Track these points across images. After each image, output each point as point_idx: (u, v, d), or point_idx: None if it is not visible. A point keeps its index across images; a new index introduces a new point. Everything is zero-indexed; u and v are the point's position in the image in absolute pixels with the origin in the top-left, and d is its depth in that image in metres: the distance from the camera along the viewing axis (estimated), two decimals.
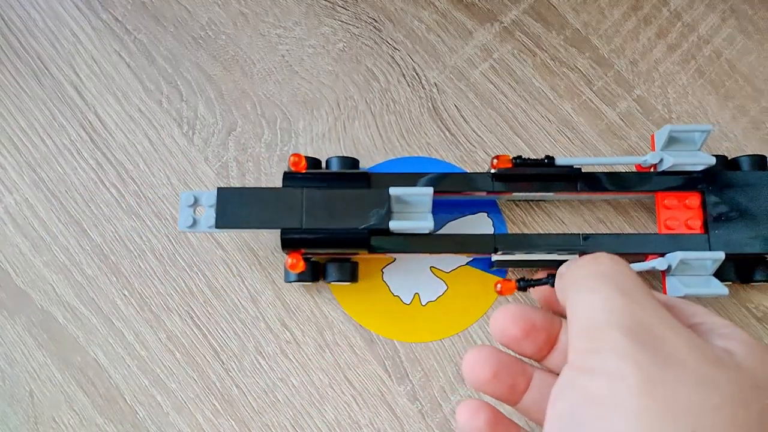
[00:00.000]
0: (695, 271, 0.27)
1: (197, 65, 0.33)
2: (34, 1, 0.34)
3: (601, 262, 0.22)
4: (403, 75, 0.33)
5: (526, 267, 0.28)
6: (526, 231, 0.31)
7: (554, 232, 0.31)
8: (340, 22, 0.34)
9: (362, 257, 0.31)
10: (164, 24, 0.34)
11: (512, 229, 0.31)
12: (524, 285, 0.25)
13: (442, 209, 0.31)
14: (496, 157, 0.28)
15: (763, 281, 0.28)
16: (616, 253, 0.26)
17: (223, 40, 0.34)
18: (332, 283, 0.30)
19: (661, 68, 0.33)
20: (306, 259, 0.29)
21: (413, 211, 0.28)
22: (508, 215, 0.31)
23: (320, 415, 0.30)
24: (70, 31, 0.34)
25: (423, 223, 0.27)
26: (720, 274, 0.27)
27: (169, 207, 0.32)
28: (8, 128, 0.33)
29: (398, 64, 0.33)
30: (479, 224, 0.31)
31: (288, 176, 0.28)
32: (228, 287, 0.31)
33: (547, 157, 0.28)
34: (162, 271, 0.31)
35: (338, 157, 0.30)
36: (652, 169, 0.29)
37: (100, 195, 0.32)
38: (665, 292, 0.27)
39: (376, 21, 0.34)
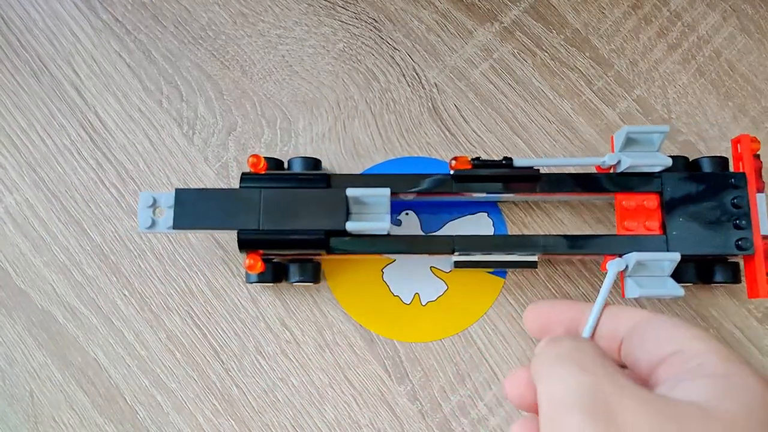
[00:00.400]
0: (653, 272, 0.27)
1: (197, 65, 0.33)
2: (33, 1, 0.34)
3: (560, 345, 0.21)
4: (403, 75, 0.33)
5: (487, 267, 0.28)
6: (525, 231, 0.31)
7: (553, 233, 0.31)
8: (340, 22, 0.34)
9: (362, 258, 0.31)
10: (164, 24, 0.34)
11: (512, 229, 0.31)
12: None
13: (442, 209, 0.31)
14: (455, 158, 0.28)
15: (723, 283, 0.28)
16: (574, 255, 0.28)
17: (223, 40, 0.34)
18: (295, 283, 0.30)
19: (661, 68, 0.33)
20: (268, 260, 0.29)
21: (371, 212, 0.28)
22: (508, 215, 0.31)
23: (320, 415, 0.30)
24: (69, 31, 0.34)
25: (380, 224, 0.27)
26: (680, 275, 0.27)
27: None
28: (8, 128, 0.33)
29: (398, 64, 0.33)
30: (479, 224, 0.31)
31: (246, 177, 0.28)
32: (228, 287, 0.31)
33: (506, 158, 0.28)
34: (162, 271, 0.31)
35: (300, 157, 0.30)
36: (611, 170, 0.29)
37: (100, 195, 0.32)
38: (623, 294, 0.27)
39: (376, 21, 0.34)
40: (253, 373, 0.30)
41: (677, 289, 0.26)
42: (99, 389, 0.30)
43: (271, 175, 0.28)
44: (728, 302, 0.30)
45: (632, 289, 0.27)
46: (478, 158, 0.28)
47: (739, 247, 0.27)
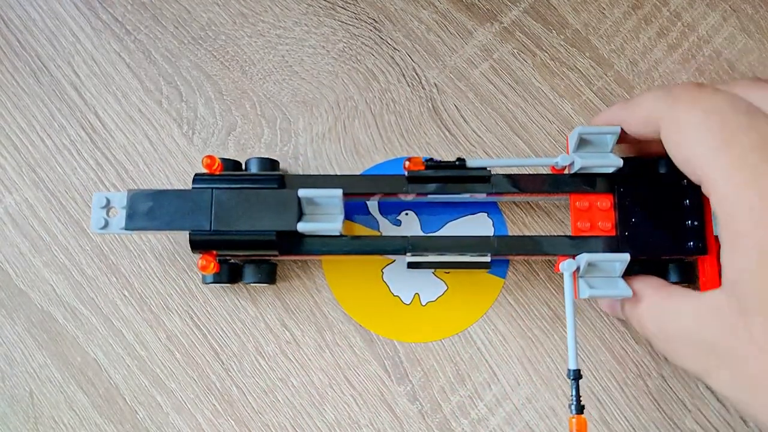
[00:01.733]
0: (605, 273, 0.27)
1: (197, 65, 0.33)
2: (33, 1, 0.34)
3: (702, 98, 0.24)
4: (403, 75, 0.33)
5: (440, 268, 0.28)
6: (526, 231, 0.31)
7: (545, 234, 0.31)
8: (340, 22, 0.34)
9: (362, 258, 0.31)
10: (164, 24, 0.34)
11: (512, 229, 0.31)
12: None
13: (442, 210, 0.31)
14: (408, 159, 0.28)
15: (679, 283, 0.28)
16: (527, 255, 0.28)
17: (222, 40, 0.34)
18: (251, 284, 0.30)
19: (661, 68, 0.33)
20: (224, 261, 0.29)
21: (324, 212, 0.28)
22: (509, 215, 0.31)
23: (320, 415, 0.30)
24: (69, 31, 0.34)
25: (331, 224, 0.27)
26: (633, 274, 0.27)
27: None
28: (7, 128, 0.33)
29: (398, 64, 0.33)
30: (479, 225, 0.31)
31: (198, 178, 0.28)
32: (228, 287, 0.31)
33: (459, 159, 0.28)
34: (162, 271, 0.31)
35: (257, 158, 0.30)
36: (566, 171, 0.29)
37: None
38: (576, 295, 0.27)
39: (376, 21, 0.34)
40: (253, 373, 0.30)
41: (627, 290, 0.26)
42: (99, 389, 0.30)
43: (224, 176, 0.28)
44: None
45: (584, 290, 0.27)
46: (431, 159, 0.28)
47: (692, 249, 0.27)
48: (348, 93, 0.33)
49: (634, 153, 0.30)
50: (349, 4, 0.34)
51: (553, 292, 0.31)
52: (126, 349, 0.31)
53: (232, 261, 0.29)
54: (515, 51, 0.33)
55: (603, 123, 0.28)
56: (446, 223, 0.31)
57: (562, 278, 0.30)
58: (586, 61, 0.33)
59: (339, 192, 0.27)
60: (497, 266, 0.31)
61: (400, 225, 0.31)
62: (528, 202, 0.31)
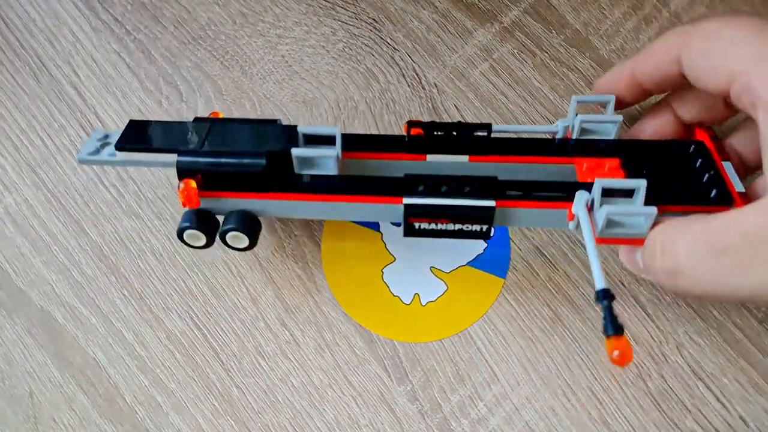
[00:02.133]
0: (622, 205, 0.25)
1: (197, 65, 0.33)
2: (33, 1, 0.34)
3: (728, 17, 0.23)
4: (403, 75, 0.33)
5: (439, 214, 0.26)
6: (525, 231, 0.31)
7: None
8: (340, 22, 0.34)
9: (362, 255, 0.31)
10: (164, 24, 0.34)
11: (512, 229, 0.31)
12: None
13: None
14: (409, 121, 0.28)
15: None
16: (538, 202, 0.25)
17: (222, 40, 0.34)
18: (231, 235, 0.27)
19: None
20: (207, 217, 0.27)
21: (321, 156, 0.27)
22: None
23: (320, 415, 0.30)
24: (69, 31, 0.34)
25: (327, 151, 0.26)
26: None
27: (169, 207, 0.32)
28: (7, 128, 0.33)
29: (398, 64, 0.33)
30: None
31: (198, 118, 0.28)
32: (228, 287, 0.31)
33: (459, 122, 0.28)
34: (162, 271, 0.31)
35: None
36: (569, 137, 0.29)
37: (100, 195, 0.32)
38: (594, 233, 0.24)
39: (376, 21, 0.34)
40: (253, 373, 0.30)
41: (651, 208, 0.23)
42: (99, 389, 0.30)
43: (225, 118, 0.28)
44: (729, 303, 0.30)
45: (601, 215, 0.23)
46: (432, 122, 0.28)
47: (716, 198, 0.25)
48: (348, 93, 0.33)
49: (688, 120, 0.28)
50: (349, 4, 0.34)
51: (553, 292, 0.31)
52: (126, 349, 0.31)
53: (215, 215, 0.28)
54: (515, 51, 0.33)
55: (613, 77, 0.27)
56: None
57: (563, 278, 0.30)
58: (586, 61, 0.33)
59: (336, 129, 0.27)
60: (497, 266, 0.31)
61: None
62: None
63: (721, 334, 0.30)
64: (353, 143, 0.28)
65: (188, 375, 0.30)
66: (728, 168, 0.26)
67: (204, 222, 0.27)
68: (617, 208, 0.23)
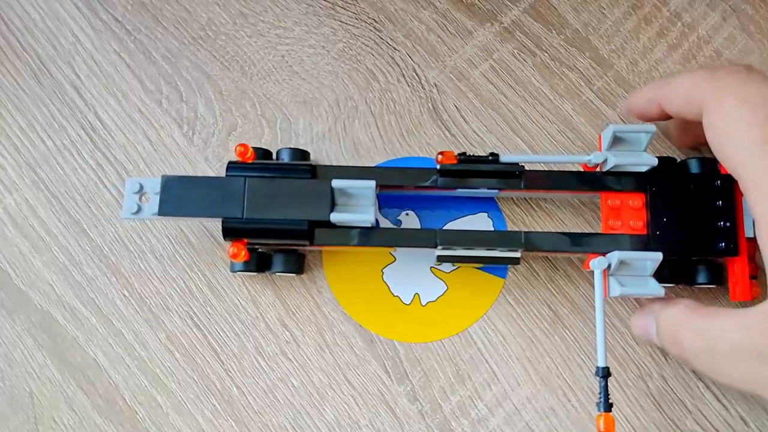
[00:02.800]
0: (636, 272, 0.27)
1: (197, 65, 0.33)
2: (33, 1, 0.34)
3: (751, 87, 0.23)
4: (403, 75, 0.33)
5: (469, 263, 0.28)
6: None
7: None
8: (340, 22, 0.34)
9: (362, 255, 0.31)
10: (164, 24, 0.34)
11: (511, 228, 0.31)
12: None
13: (442, 210, 0.31)
14: (441, 152, 0.28)
15: (706, 284, 0.28)
16: (557, 252, 0.28)
17: (222, 40, 0.34)
18: (278, 273, 0.30)
19: (661, 68, 0.33)
20: (253, 250, 0.29)
21: (357, 204, 0.28)
22: (509, 215, 0.31)
23: (320, 416, 0.30)
24: (69, 31, 0.34)
25: (364, 216, 0.27)
26: (661, 276, 0.27)
27: None
28: (8, 128, 0.33)
29: (398, 64, 0.33)
30: (478, 224, 0.31)
31: (232, 166, 0.28)
32: (228, 287, 0.31)
33: (492, 154, 0.28)
34: (162, 271, 0.31)
35: (289, 148, 0.30)
36: (597, 169, 0.29)
37: (100, 195, 0.32)
38: (606, 294, 0.27)
39: (376, 21, 0.34)
40: (253, 373, 0.30)
41: (658, 289, 0.26)
42: (99, 390, 0.30)
43: (257, 164, 0.29)
44: (728, 304, 0.30)
45: (614, 288, 0.27)
46: (464, 153, 0.28)
47: (723, 250, 0.27)
48: (348, 93, 0.33)
49: (678, 142, 0.29)
50: (349, 4, 0.34)
51: (554, 292, 0.30)
52: (126, 349, 0.31)
53: (261, 250, 0.30)
54: (515, 51, 0.33)
55: (641, 100, 0.28)
56: (447, 223, 0.31)
57: (563, 279, 0.30)
58: (586, 61, 0.33)
59: (372, 183, 0.27)
60: (497, 266, 0.31)
61: (400, 225, 0.31)
62: (528, 202, 0.31)
63: None
64: (386, 178, 0.29)
65: (188, 375, 0.30)
66: (746, 206, 0.27)
67: (255, 263, 0.29)
68: (630, 290, 0.26)
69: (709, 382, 0.29)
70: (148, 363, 0.30)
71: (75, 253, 0.32)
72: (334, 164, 0.31)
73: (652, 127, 0.27)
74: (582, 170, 0.29)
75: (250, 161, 0.29)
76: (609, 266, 0.27)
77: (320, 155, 0.32)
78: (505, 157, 0.28)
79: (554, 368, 0.30)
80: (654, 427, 0.29)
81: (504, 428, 0.29)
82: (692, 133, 0.29)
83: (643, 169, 0.28)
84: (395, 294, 0.31)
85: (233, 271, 0.30)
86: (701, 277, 0.28)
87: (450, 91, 0.33)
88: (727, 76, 0.24)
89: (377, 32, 0.34)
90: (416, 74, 0.33)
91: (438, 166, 0.28)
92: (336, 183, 0.27)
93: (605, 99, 0.32)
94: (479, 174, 0.28)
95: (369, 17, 0.34)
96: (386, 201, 0.31)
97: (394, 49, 0.33)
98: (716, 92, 0.24)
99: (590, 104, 0.32)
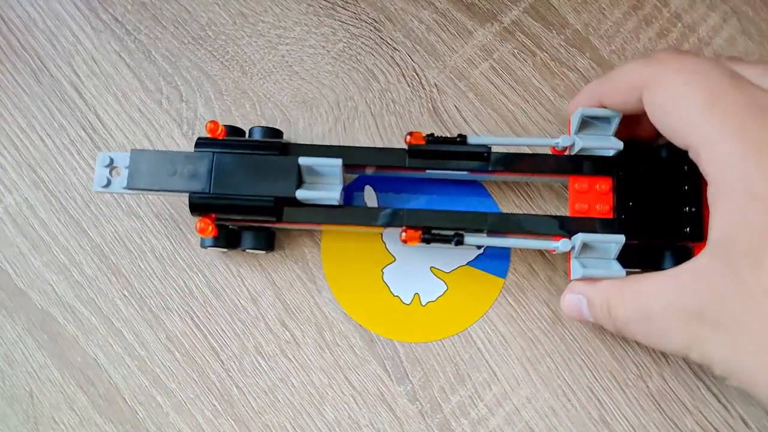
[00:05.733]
0: (600, 254, 0.27)
1: (197, 65, 0.33)
2: (33, 1, 0.34)
3: (687, 61, 0.24)
4: (403, 75, 0.33)
5: (437, 242, 0.28)
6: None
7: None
8: (340, 22, 0.34)
9: (362, 255, 0.31)
10: (164, 24, 0.34)
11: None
12: (428, 238, 0.27)
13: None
14: (410, 133, 0.28)
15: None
16: (525, 233, 0.28)
17: (222, 40, 0.34)
18: (248, 250, 0.30)
19: None
20: (223, 226, 0.29)
21: (324, 182, 0.28)
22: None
23: (320, 415, 0.30)
24: (69, 31, 0.34)
25: (331, 193, 0.27)
26: (627, 260, 0.27)
27: (169, 207, 0.32)
28: (7, 127, 0.33)
29: (398, 64, 0.33)
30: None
31: (201, 142, 0.28)
32: (228, 287, 0.31)
33: (459, 135, 0.28)
34: (162, 271, 0.31)
35: (260, 126, 0.30)
36: (566, 153, 0.29)
37: (100, 195, 0.32)
38: (569, 275, 0.27)
39: (376, 21, 0.34)
40: (253, 373, 0.30)
41: (620, 271, 0.26)
42: (99, 389, 0.30)
43: (226, 141, 0.29)
44: None
45: (576, 270, 0.27)
46: (432, 134, 0.28)
47: (688, 234, 0.26)
48: (348, 93, 0.33)
49: (625, 136, 0.29)
50: (349, 4, 0.34)
51: (553, 292, 0.30)
52: (126, 349, 0.31)
53: (231, 226, 0.30)
54: (515, 51, 0.33)
55: (584, 100, 0.28)
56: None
57: (563, 279, 0.30)
58: (586, 61, 0.33)
59: (339, 161, 0.27)
60: (497, 266, 0.31)
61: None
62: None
63: None
64: (354, 157, 0.29)
65: (188, 375, 0.30)
66: None
67: (225, 239, 0.30)
68: (591, 271, 0.26)
69: (710, 383, 0.29)
70: (148, 363, 0.30)
71: (75, 253, 0.32)
72: (302, 143, 0.31)
73: (618, 113, 0.27)
74: (551, 154, 0.29)
75: (221, 138, 0.29)
76: (573, 248, 0.27)
77: None
78: (472, 139, 0.28)
79: (554, 368, 0.30)
80: (654, 427, 0.29)
81: (504, 428, 0.29)
82: (628, 127, 0.29)
83: (611, 153, 0.28)
84: (395, 294, 0.31)
85: (203, 246, 0.30)
86: (667, 262, 0.27)
87: (450, 91, 0.33)
88: (663, 55, 0.25)
89: (377, 32, 0.34)
90: (416, 74, 0.33)
91: (406, 147, 0.28)
92: (303, 160, 0.27)
93: None
94: (447, 155, 0.28)
95: (369, 17, 0.34)
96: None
97: (394, 49, 0.33)
98: (655, 71, 0.24)
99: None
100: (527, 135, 0.32)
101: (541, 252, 0.31)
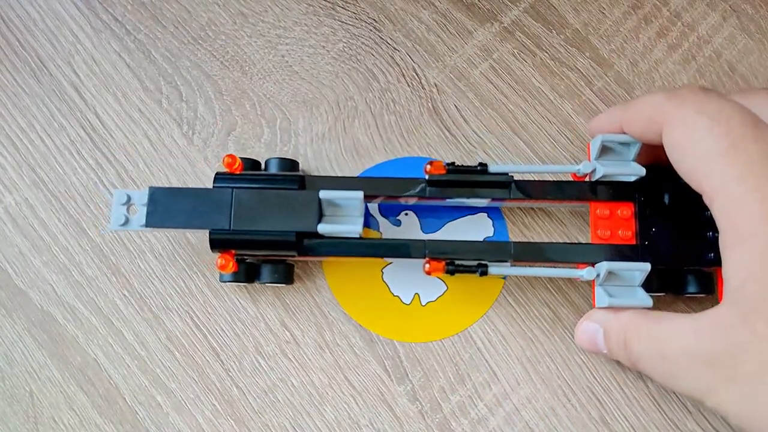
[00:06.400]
0: (624, 282, 0.27)
1: (197, 65, 0.33)
2: (33, 1, 0.34)
3: (710, 103, 0.23)
4: (403, 75, 0.33)
5: (461, 273, 0.28)
6: (526, 232, 0.31)
7: (561, 241, 0.31)
8: (340, 22, 0.34)
9: (357, 260, 0.31)
10: (164, 24, 0.34)
11: (512, 230, 0.31)
12: (452, 270, 0.27)
13: (442, 210, 0.31)
14: (430, 162, 0.28)
15: (696, 293, 0.28)
16: (547, 262, 0.28)
17: (222, 40, 0.34)
18: (267, 284, 0.30)
19: (661, 68, 0.33)
20: (242, 260, 0.29)
21: (345, 214, 0.28)
22: (508, 216, 0.31)
23: (320, 415, 0.30)
24: (69, 31, 0.34)
25: (352, 227, 0.27)
26: (651, 285, 0.27)
27: None
28: (7, 127, 0.33)
29: (398, 64, 0.33)
30: (479, 225, 0.31)
31: (219, 177, 0.28)
32: (228, 287, 0.31)
33: (480, 164, 0.28)
34: (162, 271, 0.31)
35: (277, 158, 0.30)
36: (586, 179, 0.29)
37: (100, 195, 0.32)
38: (594, 303, 0.27)
39: (376, 21, 0.34)
40: (253, 373, 0.30)
41: (646, 300, 0.26)
42: (99, 389, 0.30)
43: (245, 175, 0.28)
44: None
45: (602, 298, 0.27)
46: (452, 163, 0.28)
47: (712, 260, 0.26)
48: (348, 93, 0.33)
49: (648, 160, 0.29)
50: (349, 4, 0.34)
51: (553, 292, 0.30)
52: (126, 349, 0.31)
53: (249, 260, 0.30)
54: (515, 51, 0.33)
55: (603, 123, 0.28)
56: (446, 223, 0.31)
57: (563, 279, 0.30)
58: (586, 61, 0.33)
59: (360, 194, 0.27)
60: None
61: (400, 225, 0.31)
62: (539, 208, 0.31)
63: None
64: (374, 188, 0.29)
65: (188, 375, 0.30)
66: None
67: (244, 274, 0.30)
68: (618, 300, 0.26)
69: None
70: (148, 363, 0.30)
71: (75, 253, 0.32)
72: (322, 174, 0.31)
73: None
74: (571, 180, 0.29)
75: (238, 172, 0.28)
76: (597, 276, 0.27)
77: (320, 155, 0.32)
78: (494, 167, 0.28)
79: (554, 368, 0.30)
80: (654, 428, 0.29)
81: (504, 428, 0.29)
82: (652, 151, 0.28)
83: (632, 178, 0.28)
84: (395, 294, 0.31)
85: (222, 281, 0.30)
86: (691, 287, 0.28)
87: (450, 91, 0.33)
88: (686, 93, 0.24)
89: (377, 32, 0.34)
90: (416, 74, 0.33)
91: (426, 176, 0.28)
92: (323, 194, 0.27)
93: (605, 99, 0.32)
94: (468, 184, 0.28)
95: (369, 17, 0.34)
96: (386, 202, 0.31)
97: (394, 49, 0.33)
98: (676, 109, 0.24)
99: (590, 104, 0.32)
100: (527, 154, 0.32)
101: None
